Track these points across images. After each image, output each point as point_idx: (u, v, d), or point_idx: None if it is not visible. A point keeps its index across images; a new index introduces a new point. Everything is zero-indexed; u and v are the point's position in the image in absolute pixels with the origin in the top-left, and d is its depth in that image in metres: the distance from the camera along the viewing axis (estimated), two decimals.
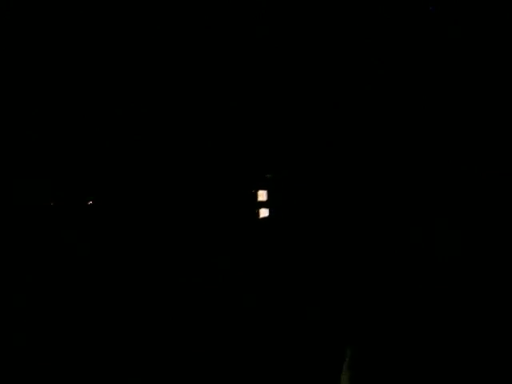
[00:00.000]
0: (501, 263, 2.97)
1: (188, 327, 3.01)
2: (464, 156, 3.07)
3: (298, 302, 3.00)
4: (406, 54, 3.11)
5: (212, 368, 2.95)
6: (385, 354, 2.92)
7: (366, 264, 3.02)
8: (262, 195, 3.07)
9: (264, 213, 3.05)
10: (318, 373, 2.92)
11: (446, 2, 3.10)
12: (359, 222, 3.06)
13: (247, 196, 3.13)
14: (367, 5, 3.11)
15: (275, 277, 3.04)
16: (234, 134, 3.14)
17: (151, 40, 3.13)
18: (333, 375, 2.91)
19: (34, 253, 3.02)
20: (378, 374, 2.90)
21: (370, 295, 2.98)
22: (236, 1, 3.13)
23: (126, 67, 3.14)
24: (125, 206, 3.10)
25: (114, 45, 3.12)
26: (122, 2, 3.11)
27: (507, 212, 3.00)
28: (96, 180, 3.10)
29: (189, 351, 2.98)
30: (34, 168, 3.08)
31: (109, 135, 3.13)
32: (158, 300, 3.03)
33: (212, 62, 3.15)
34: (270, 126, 3.15)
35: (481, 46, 3.09)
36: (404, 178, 3.08)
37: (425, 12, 3.10)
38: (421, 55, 3.11)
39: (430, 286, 2.97)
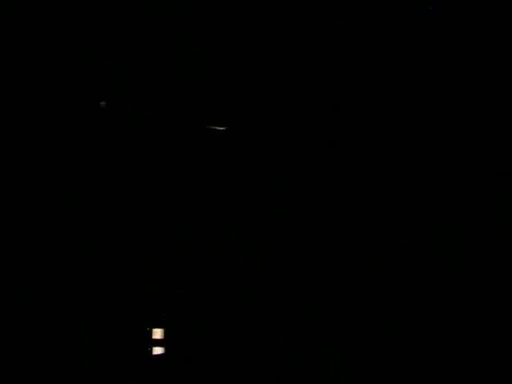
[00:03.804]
0: (500, 263, 2.97)
1: (188, 328, 3.01)
2: (464, 156, 3.07)
3: (298, 302, 3.00)
4: (406, 53, 3.11)
5: (212, 367, 2.96)
6: (384, 354, 2.92)
7: (366, 264, 3.02)
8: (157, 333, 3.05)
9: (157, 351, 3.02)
10: (317, 372, 2.92)
11: (446, 2, 3.10)
12: (359, 222, 3.06)
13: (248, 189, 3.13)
14: (367, 5, 3.11)
15: (275, 277, 3.04)
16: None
17: (151, 41, 3.14)
18: (331, 374, 2.91)
19: (34, 253, 3.02)
20: (378, 373, 2.90)
21: (369, 295, 2.98)
22: (235, 1, 3.13)
23: (125, 68, 3.14)
24: (124, 205, 3.10)
25: (114, 46, 3.13)
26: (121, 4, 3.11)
27: (507, 212, 3.00)
28: (96, 180, 3.11)
29: (188, 352, 2.98)
30: (33, 167, 3.09)
31: (109, 135, 3.13)
32: (157, 300, 3.03)
33: (208, 63, 3.15)
34: (269, 126, 3.15)
35: (481, 46, 3.09)
36: (404, 178, 3.08)
37: (425, 12, 3.10)
38: (421, 55, 3.11)
39: (431, 285, 2.97)
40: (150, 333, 2.99)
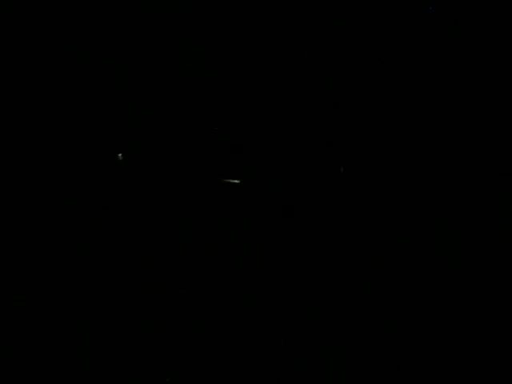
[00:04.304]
0: (500, 263, 2.97)
1: (188, 328, 3.01)
2: (464, 156, 3.07)
3: (298, 302, 3.00)
4: (406, 54, 3.11)
5: (211, 368, 2.96)
6: (384, 354, 2.92)
7: (366, 264, 3.02)
8: None
9: None
10: (317, 372, 2.92)
11: (446, 2, 3.10)
12: (359, 222, 3.06)
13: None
14: (367, 5, 3.11)
15: (275, 277, 3.04)
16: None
17: (151, 40, 3.14)
18: (331, 374, 2.91)
19: (34, 253, 3.02)
20: (378, 374, 2.90)
21: (369, 295, 2.98)
22: (235, 1, 3.13)
23: (125, 68, 3.14)
24: (124, 205, 3.10)
25: (114, 46, 3.13)
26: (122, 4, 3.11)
27: (507, 212, 3.00)
28: (96, 180, 3.11)
29: (188, 352, 2.98)
30: (33, 167, 3.09)
31: (109, 135, 3.13)
32: (157, 300, 3.03)
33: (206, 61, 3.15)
34: (268, 126, 3.15)
35: (481, 46, 3.09)
36: (404, 178, 3.08)
37: (425, 12, 3.10)
38: (421, 55, 3.11)
39: (430, 286, 2.97)
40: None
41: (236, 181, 3.10)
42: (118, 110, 3.13)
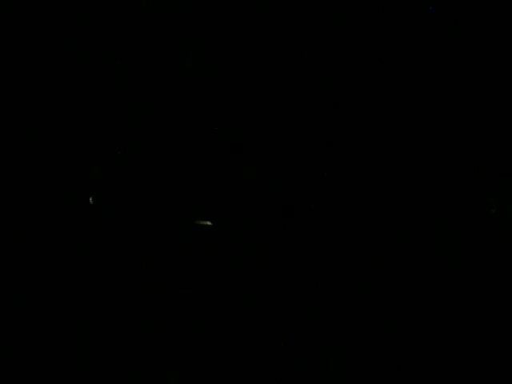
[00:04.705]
0: (500, 263, 2.97)
1: (188, 328, 3.01)
2: (464, 156, 3.07)
3: (298, 302, 3.00)
4: (406, 54, 3.12)
5: (212, 367, 2.96)
6: (384, 354, 2.92)
7: (366, 264, 3.02)
8: None
9: None
10: (317, 372, 2.92)
11: (446, 2, 3.10)
12: (359, 222, 3.06)
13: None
14: (367, 4, 3.11)
15: (275, 277, 3.04)
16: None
17: (151, 40, 3.14)
18: (331, 374, 2.91)
19: (34, 253, 3.02)
20: (378, 374, 2.90)
21: (370, 295, 2.98)
22: (235, 1, 3.13)
23: (125, 68, 3.14)
24: (125, 206, 3.10)
25: (114, 46, 3.13)
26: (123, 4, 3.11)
27: (507, 212, 3.00)
28: (96, 180, 3.11)
29: (188, 352, 2.98)
30: (33, 167, 3.09)
31: (109, 135, 3.13)
32: (157, 300, 3.03)
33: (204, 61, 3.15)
34: (268, 126, 3.15)
35: (481, 46, 3.09)
36: (404, 178, 3.08)
37: (425, 12, 3.10)
38: (421, 55, 3.11)
39: (430, 286, 2.97)
40: None
41: (208, 223, 3.10)
42: (118, 109, 3.13)
